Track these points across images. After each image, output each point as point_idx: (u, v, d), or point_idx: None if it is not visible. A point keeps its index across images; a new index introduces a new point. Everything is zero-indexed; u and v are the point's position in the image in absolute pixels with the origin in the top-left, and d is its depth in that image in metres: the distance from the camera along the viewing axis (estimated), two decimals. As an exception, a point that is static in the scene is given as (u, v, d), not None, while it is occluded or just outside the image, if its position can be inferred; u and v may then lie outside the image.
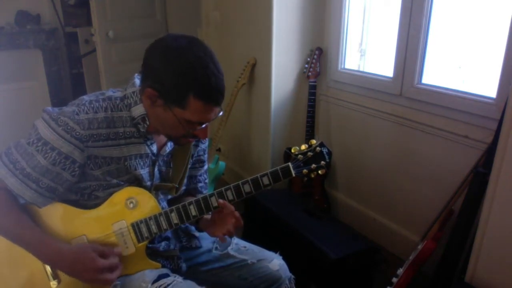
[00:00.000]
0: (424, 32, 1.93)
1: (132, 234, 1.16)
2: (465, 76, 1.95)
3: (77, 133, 1.06)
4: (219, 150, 2.82)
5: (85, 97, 1.13)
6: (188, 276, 1.23)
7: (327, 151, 1.17)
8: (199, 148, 1.33)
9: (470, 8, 1.89)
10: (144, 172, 1.18)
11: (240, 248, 1.36)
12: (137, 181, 1.18)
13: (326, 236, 1.83)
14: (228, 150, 3.17)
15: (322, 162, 1.16)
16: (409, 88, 2.04)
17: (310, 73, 2.43)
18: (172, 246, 1.29)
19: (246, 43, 2.69)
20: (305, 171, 1.16)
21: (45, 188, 1.09)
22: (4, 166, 1.08)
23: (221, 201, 1.15)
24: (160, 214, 1.16)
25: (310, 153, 1.16)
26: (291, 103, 2.58)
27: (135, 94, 1.13)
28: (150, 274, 1.16)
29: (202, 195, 1.18)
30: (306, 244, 1.81)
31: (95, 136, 1.09)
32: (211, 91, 1.04)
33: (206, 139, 1.33)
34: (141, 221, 1.16)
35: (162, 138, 1.22)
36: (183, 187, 1.29)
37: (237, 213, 1.19)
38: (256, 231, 2.18)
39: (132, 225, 1.16)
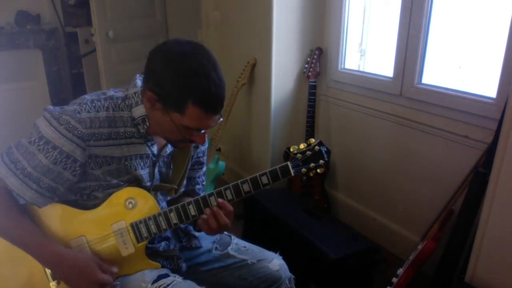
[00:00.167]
0: (424, 32, 1.93)
1: (131, 234, 1.16)
2: (465, 76, 1.95)
3: (79, 132, 1.06)
4: (219, 150, 2.82)
5: (87, 96, 1.13)
6: (188, 276, 1.23)
7: (325, 150, 1.17)
8: (198, 150, 1.33)
9: (470, 8, 1.89)
10: (144, 172, 1.18)
11: (240, 248, 1.35)
12: (137, 182, 1.18)
13: (326, 236, 1.83)
14: (228, 150, 3.17)
15: (321, 161, 1.16)
16: (409, 88, 2.04)
17: (310, 73, 2.43)
18: (172, 246, 1.29)
19: (246, 43, 2.69)
20: (304, 170, 1.16)
21: (46, 188, 1.09)
22: (5, 165, 1.08)
23: (220, 200, 1.15)
24: (159, 214, 1.16)
25: (308, 152, 1.16)
26: (291, 103, 2.58)
27: (136, 95, 1.13)
28: (150, 274, 1.16)
29: (201, 195, 1.18)
30: (306, 244, 1.81)
31: (96, 135, 1.08)
32: (210, 99, 1.03)
33: (206, 141, 1.33)
34: (140, 221, 1.16)
35: (163, 139, 1.22)
36: (182, 189, 1.29)
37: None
38: (256, 231, 2.18)
39: (131, 225, 1.16)
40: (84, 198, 1.15)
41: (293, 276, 1.37)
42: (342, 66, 2.46)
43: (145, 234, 1.16)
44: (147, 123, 1.13)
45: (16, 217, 1.09)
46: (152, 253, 1.22)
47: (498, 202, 1.29)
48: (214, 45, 3.07)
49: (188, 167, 1.29)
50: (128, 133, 1.13)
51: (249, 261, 1.31)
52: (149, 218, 1.16)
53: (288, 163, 1.14)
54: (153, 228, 1.16)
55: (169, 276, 1.16)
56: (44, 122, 1.07)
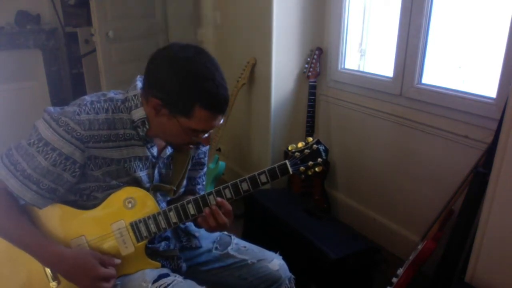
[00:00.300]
0: (424, 32, 1.93)
1: (131, 234, 1.16)
2: (465, 76, 1.95)
3: (78, 134, 1.06)
4: (219, 150, 2.82)
5: (87, 97, 1.13)
6: (188, 276, 1.23)
7: (323, 148, 1.17)
8: (199, 150, 1.33)
9: (470, 8, 1.89)
10: (143, 174, 1.18)
11: (240, 248, 1.35)
12: (136, 183, 1.18)
13: (326, 236, 1.83)
14: (228, 150, 3.17)
15: (319, 159, 1.17)
16: (409, 88, 2.04)
17: (310, 73, 2.43)
18: (172, 246, 1.29)
19: (246, 43, 2.69)
20: (302, 168, 1.16)
21: (46, 189, 1.09)
22: (5, 167, 1.08)
23: (219, 199, 1.15)
24: (159, 214, 1.16)
25: (307, 151, 1.17)
26: (291, 103, 2.58)
27: (136, 97, 1.13)
28: (150, 273, 1.16)
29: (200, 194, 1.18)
30: (306, 244, 1.81)
31: (95, 137, 1.08)
32: (217, 100, 1.05)
33: None
34: (139, 221, 1.16)
35: (163, 141, 1.22)
36: (182, 189, 1.29)
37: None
38: (256, 231, 2.18)
39: (131, 224, 1.16)
40: (83, 199, 1.15)
41: (293, 276, 1.37)
42: (342, 66, 2.46)
43: (144, 233, 1.16)
44: (147, 126, 1.13)
45: (16, 217, 1.10)
46: (152, 253, 1.22)
47: (498, 202, 1.29)
48: (214, 45, 3.07)
49: (188, 168, 1.29)
50: (128, 135, 1.13)
51: (249, 261, 1.31)
52: (149, 218, 1.16)
53: (287, 161, 1.15)
54: (152, 227, 1.16)
55: (170, 276, 1.16)
56: (44, 123, 1.07)
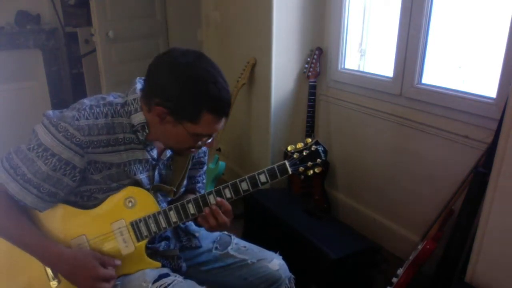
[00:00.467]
0: (424, 32, 1.93)
1: (131, 233, 1.16)
2: (465, 76, 1.95)
3: (77, 139, 1.06)
4: (219, 150, 2.82)
5: (86, 101, 1.12)
6: (188, 276, 1.23)
7: (322, 149, 1.18)
8: (200, 150, 1.33)
9: (470, 8, 1.89)
10: (143, 176, 1.18)
11: (240, 248, 1.35)
12: (137, 186, 1.18)
13: (326, 236, 1.83)
14: (228, 150, 3.17)
15: (318, 160, 1.17)
16: (409, 88, 2.04)
17: (310, 73, 2.43)
18: (172, 246, 1.30)
19: (246, 43, 2.69)
20: (301, 168, 1.17)
21: (46, 193, 1.09)
22: (5, 171, 1.08)
23: (219, 199, 1.16)
24: (159, 213, 1.16)
25: (306, 151, 1.17)
26: (291, 103, 2.58)
27: (135, 101, 1.12)
28: (150, 273, 1.16)
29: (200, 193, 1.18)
30: (306, 244, 1.81)
31: (95, 143, 1.08)
32: (222, 104, 1.07)
33: None
34: (140, 220, 1.16)
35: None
36: (182, 189, 1.29)
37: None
38: (256, 231, 2.18)
39: (131, 224, 1.16)
40: (84, 200, 1.16)
41: (293, 276, 1.37)
42: (342, 66, 2.46)
43: (145, 232, 1.16)
44: (147, 130, 1.13)
45: (16, 217, 1.10)
46: (152, 253, 1.22)
47: (498, 202, 1.29)
48: (214, 45, 3.07)
49: (188, 168, 1.29)
50: (127, 139, 1.13)
51: (249, 261, 1.31)
52: (149, 217, 1.16)
53: (286, 161, 1.15)
54: (153, 226, 1.16)
55: (170, 276, 1.16)
56: (43, 129, 1.07)
